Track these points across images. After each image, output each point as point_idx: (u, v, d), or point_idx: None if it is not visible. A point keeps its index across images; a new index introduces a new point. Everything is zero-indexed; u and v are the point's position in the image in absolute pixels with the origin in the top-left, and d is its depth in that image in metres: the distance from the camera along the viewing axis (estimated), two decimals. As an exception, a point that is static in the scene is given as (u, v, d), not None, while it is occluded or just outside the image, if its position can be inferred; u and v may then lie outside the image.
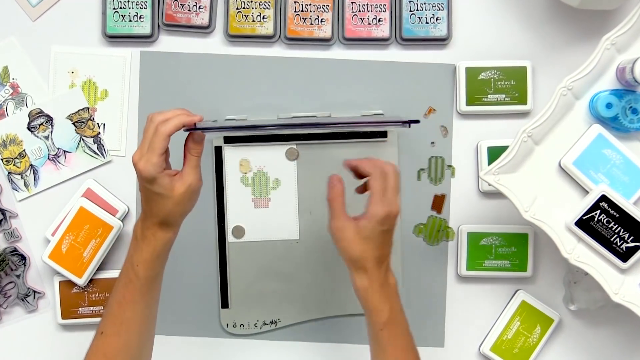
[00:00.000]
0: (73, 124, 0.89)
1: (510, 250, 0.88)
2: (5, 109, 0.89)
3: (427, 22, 0.88)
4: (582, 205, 0.76)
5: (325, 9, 0.87)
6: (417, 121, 0.75)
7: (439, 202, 0.90)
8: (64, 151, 0.89)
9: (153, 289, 0.74)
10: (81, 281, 0.86)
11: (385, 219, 0.71)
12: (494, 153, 0.86)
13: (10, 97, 0.89)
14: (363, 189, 0.76)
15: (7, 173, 0.89)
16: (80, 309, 0.88)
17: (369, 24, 0.88)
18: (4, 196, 0.89)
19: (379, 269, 0.72)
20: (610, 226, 0.75)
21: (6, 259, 0.88)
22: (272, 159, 0.88)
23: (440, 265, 0.90)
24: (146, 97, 0.89)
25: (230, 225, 0.89)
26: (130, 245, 0.74)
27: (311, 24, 0.88)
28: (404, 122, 0.75)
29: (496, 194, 0.88)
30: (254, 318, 0.90)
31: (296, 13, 0.87)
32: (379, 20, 0.88)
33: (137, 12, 0.87)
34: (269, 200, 0.89)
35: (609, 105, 0.76)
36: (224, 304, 0.89)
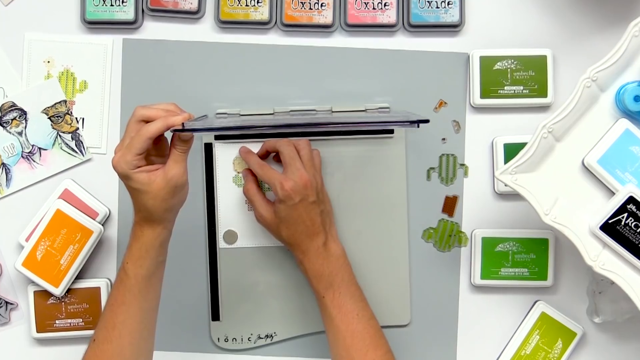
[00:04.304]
0: (49, 118, 0.89)
1: (528, 257, 0.88)
2: (-26, 102, 0.89)
3: (437, 7, 0.88)
4: (607, 207, 0.76)
5: (326, -7, 0.87)
6: (426, 120, 0.74)
7: (450, 204, 0.90)
8: (39, 148, 0.89)
9: (147, 292, 0.75)
10: (58, 291, 0.86)
11: (293, 193, 0.78)
12: (511, 150, 0.86)
13: (-20, 89, 0.89)
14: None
15: (-24, 172, 0.89)
16: (57, 321, 0.88)
17: (373, 8, 0.88)
18: (-27, 198, 0.89)
19: (312, 239, 0.81)
20: (638, 231, 0.75)
21: (-24, 267, 0.88)
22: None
23: (452, 274, 0.90)
24: (129, 89, 0.89)
25: (221, 229, 0.89)
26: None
27: (310, 8, 0.88)
28: (411, 122, 0.75)
29: (513, 196, 0.88)
30: (247, 331, 0.90)
31: (294, -3, 0.87)
32: (385, 5, 0.88)
33: (119, -4, 0.88)
34: (264, 202, 0.88)
35: (637, 98, 0.76)
36: (215, 316, 0.89)
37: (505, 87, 0.88)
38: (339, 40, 0.89)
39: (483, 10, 0.89)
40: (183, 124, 0.71)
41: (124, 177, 0.72)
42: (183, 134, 0.72)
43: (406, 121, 0.76)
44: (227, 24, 0.88)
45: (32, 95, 0.89)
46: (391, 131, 0.88)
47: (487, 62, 0.87)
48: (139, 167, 0.72)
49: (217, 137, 0.88)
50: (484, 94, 0.88)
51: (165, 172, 0.72)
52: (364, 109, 0.88)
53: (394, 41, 0.89)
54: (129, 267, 0.75)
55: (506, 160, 0.86)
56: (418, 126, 0.74)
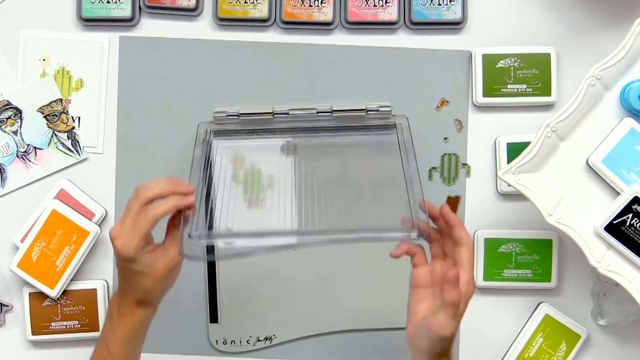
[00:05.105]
0: (45, 117, 0.89)
1: (532, 258, 0.88)
2: (-32, 101, 0.89)
3: (439, 4, 0.88)
4: (612, 208, 0.76)
5: (326, -11, 0.87)
6: (427, 238, 0.71)
7: (452, 205, 0.90)
8: (35, 148, 0.89)
9: None
10: (54, 293, 0.86)
11: (471, 297, 0.70)
12: (514, 150, 0.86)
13: (-26, 87, 0.89)
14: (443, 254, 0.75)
15: (-29, 172, 0.89)
16: (52, 323, 0.88)
17: (374, 5, 0.88)
18: (-32, 198, 0.89)
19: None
20: (643, 231, 0.76)
21: (-30, 268, 0.88)
22: (266, 153, 0.88)
23: (454, 275, 0.90)
24: (126, 87, 0.89)
25: (220, 228, 0.89)
26: (105, 324, 0.74)
27: (310, 5, 0.88)
28: (411, 238, 0.71)
29: (517, 196, 0.88)
30: (246, 334, 0.90)
31: (293, -6, 0.87)
32: (386, 2, 0.88)
33: (116, -7, 0.88)
34: (263, 200, 0.89)
35: (642, 97, 0.76)
36: (213, 318, 0.89)
37: (509, 86, 0.88)
38: (340, 37, 0.89)
39: (486, 7, 0.89)
40: (190, 234, 0.71)
41: (127, 261, 0.70)
42: (186, 213, 0.73)
43: (400, 236, 0.73)
44: (225, 21, 0.88)
45: (27, 93, 0.89)
46: (392, 130, 0.88)
47: (490, 60, 0.87)
48: (142, 248, 0.70)
49: (215, 135, 0.88)
50: (486, 93, 0.88)
51: (166, 252, 0.72)
52: (364, 107, 0.88)
53: (395, 39, 0.89)
54: (115, 349, 0.72)
55: (509, 160, 0.86)
56: (418, 236, 0.71)
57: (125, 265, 0.71)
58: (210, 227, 0.89)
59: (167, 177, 0.73)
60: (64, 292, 0.87)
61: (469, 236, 0.71)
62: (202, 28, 0.89)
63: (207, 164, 0.88)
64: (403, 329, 0.90)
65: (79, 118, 0.89)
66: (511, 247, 0.88)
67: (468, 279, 0.70)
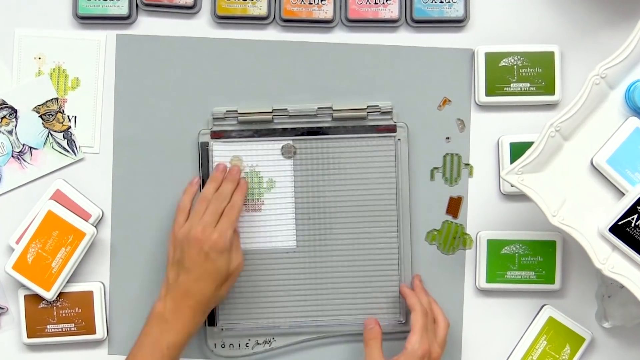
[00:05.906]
0: (40, 116, 0.89)
1: (535, 259, 0.88)
2: (-37, 100, 0.89)
3: (441, 2, 0.87)
4: (617, 209, 0.76)
5: (326, -13, 0.87)
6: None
7: (454, 206, 0.90)
8: (30, 148, 0.89)
9: None
10: (49, 295, 0.86)
11: (423, 357, 0.79)
12: (518, 150, 0.86)
13: (-32, 86, 0.89)
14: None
15: (-35, 172, 0.89)
16: (48, 326, 0.88)
17: (375, 3, 0.88)
18: (-38, 199, 0.89)
19: None
20: (649, 233, 0.75)
21: (-36, 270, 0.88)
22: (265, 156, 0.88)
23: (456, 277, 0.90)
24: (123, 86, 0.89)
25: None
26: (153, 328, 0.79)
27: (310, 3, 0.87)
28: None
29: (520, 197, 0.88)
30: (245, 337, 0.90)
31: (293, -9, 0.87)
32: (387, -1, 0.88)
33: (112, -10, 0.87)
34: (262, 204, 0.89)
35: (647, 96, 0.76)
36: (210, 321, 0.89)
37: (512, 85, 0.87)
38: (340, 35, 0.89)
39: (488, 5, 0.89)
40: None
41: (223, 252, 0.78)
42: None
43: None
44: (224, 19, 0.88)
45: (22, 92, 0.89)
46: (393, 130, 0.88)
47: (492, 59, 0.87)
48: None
49: (213, 136, 0.88)
50: (489, 92, 0.88)
51: (232, 258, 0.81)
52: (365, 106, 0.87)
53: (396, 37, 0.89)
54: (174, 353, 0.78)
55: (512, 160, 0.85)
56: None
57: (214, 258, 0.78)
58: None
59: (218, 174, 0.84)
60: (60, 295, 0.87)
61: (418, 303, 0.82)
62: (201, 26, 0.89)
63: (206, 167, 0.88)
64: (404, 332, 0.90)
65: (75, 117, 0.89)
66: (514, 248, 0.88)
67: (415, 339, 0.79)
